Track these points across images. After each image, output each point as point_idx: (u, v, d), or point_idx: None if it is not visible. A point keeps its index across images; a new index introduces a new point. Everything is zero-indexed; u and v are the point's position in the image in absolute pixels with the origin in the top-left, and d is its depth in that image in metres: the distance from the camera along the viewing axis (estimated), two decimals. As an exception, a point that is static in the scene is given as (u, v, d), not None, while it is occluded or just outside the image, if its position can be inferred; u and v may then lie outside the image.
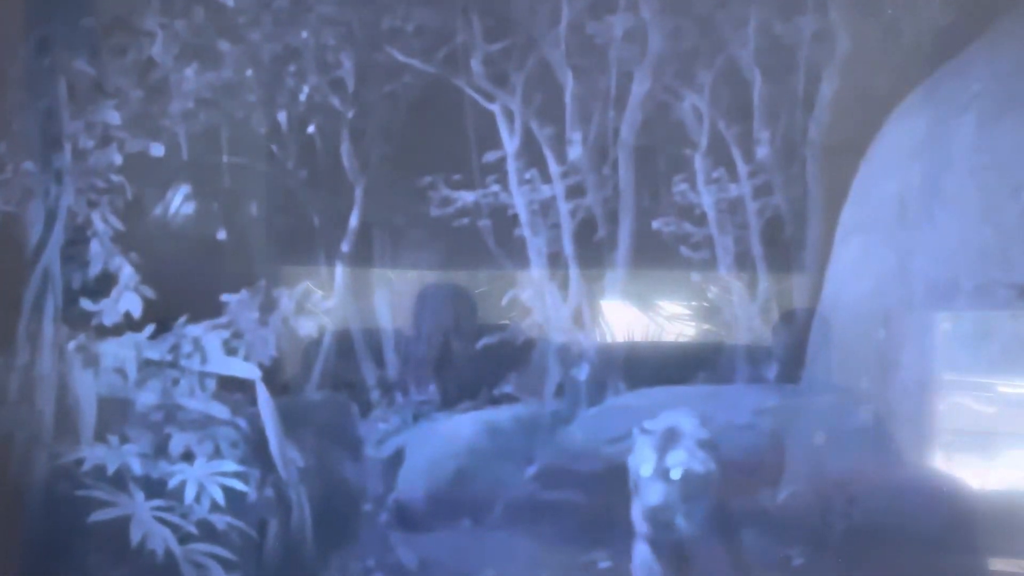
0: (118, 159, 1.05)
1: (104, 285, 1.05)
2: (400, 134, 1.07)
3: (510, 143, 1.06)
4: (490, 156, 1.06)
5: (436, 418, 1.07)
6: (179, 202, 1.06)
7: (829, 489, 1.06)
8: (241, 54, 1.06)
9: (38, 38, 1.05)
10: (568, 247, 1.07)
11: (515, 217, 1.07)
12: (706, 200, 1.06)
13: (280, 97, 1.06)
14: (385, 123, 1.07)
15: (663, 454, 1.05)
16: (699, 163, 1.06)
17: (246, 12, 1.06)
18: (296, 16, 1.06)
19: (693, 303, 1.09)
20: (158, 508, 1.04)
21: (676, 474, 1.05)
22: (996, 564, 1.07)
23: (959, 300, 1.05)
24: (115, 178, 1.05)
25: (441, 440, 1.06)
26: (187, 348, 1.05)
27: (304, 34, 1.06)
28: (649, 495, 1.04)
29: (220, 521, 1.05)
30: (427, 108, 1.06)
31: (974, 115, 1.05)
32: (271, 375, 1.06)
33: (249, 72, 1.06)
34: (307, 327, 1.06)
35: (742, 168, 1.06)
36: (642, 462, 1.05)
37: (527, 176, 1.06)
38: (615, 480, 1.06)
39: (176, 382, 1.05)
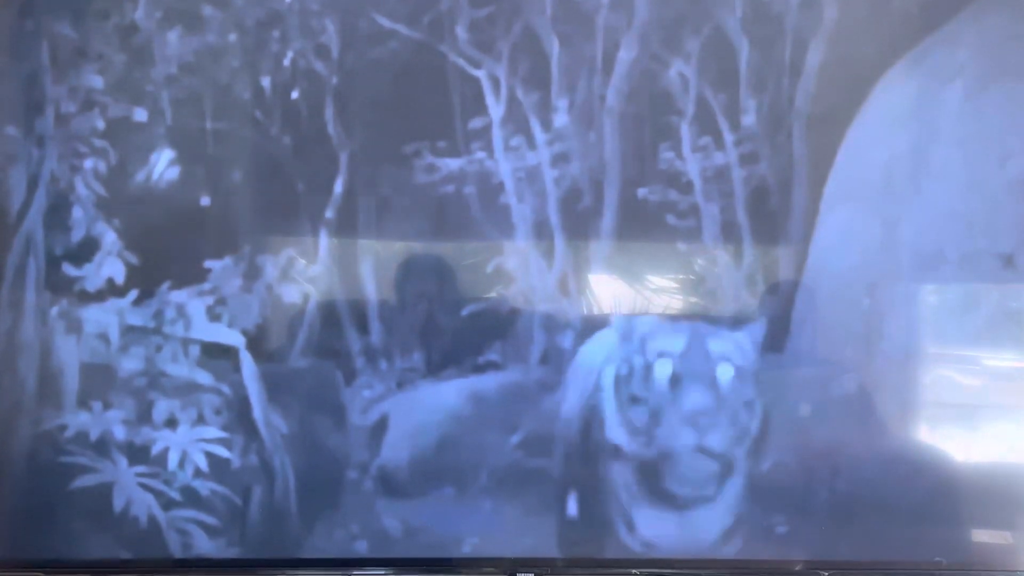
0: (101, 124, 1.04)
1: (87, 251, 1.05)
2: (385, 101, 1.06)
3: (496, 110, 1.06)
4: (475, 123, 1.06)
5: (420, 385, 1.06)
6: (162, 168, 1.05)
7: (813, 459, 1.06)
8: (225, 19, 1.05)
9: (21, 2, 1.04)
10: (553, 215, 1.07)
11: (500, 185, 1.06)
12: (692, 168, 1.06)
13: (264, 63, 1.05)
14: (370, 89, 1.06)
15: (695, 344, 1.02)
16: (685, 131, 1.06)
17: (230, -24, 1.05)
18: (280, -20, 1.05)
19: (680, 275, 1.09)
20: (141, 474, 1.04)
21: (726, 373, 1.02)
22: (979, 536, 1.07)
23: (945, 270, 1.05)
24: (98, 143, 1.04)
25: (425, 408, 1.06)
26: (170, 314, 1.05)
27: (288, -1, 1.05)
28: (685, 398, 0.99)
29: (204, 487, 1.05)
30: (412, 74, 1.05)
31: (961, 85, 1.05)
32: (255, 342, 1.05)
33: (233, 37, 1.05)
34: (291, 294, 1.06)
35: (728, 136, 1.06)
36: (653, 359, 1.01)
37: (513, 143, 1.06)
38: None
39: (159, 348, 1.05)
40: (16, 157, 1.04)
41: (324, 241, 1.07)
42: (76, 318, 1.04)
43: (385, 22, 1.05)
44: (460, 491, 1.06)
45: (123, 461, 1.04)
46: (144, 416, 1.05)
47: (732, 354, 1.03)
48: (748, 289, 1.08)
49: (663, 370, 1.04)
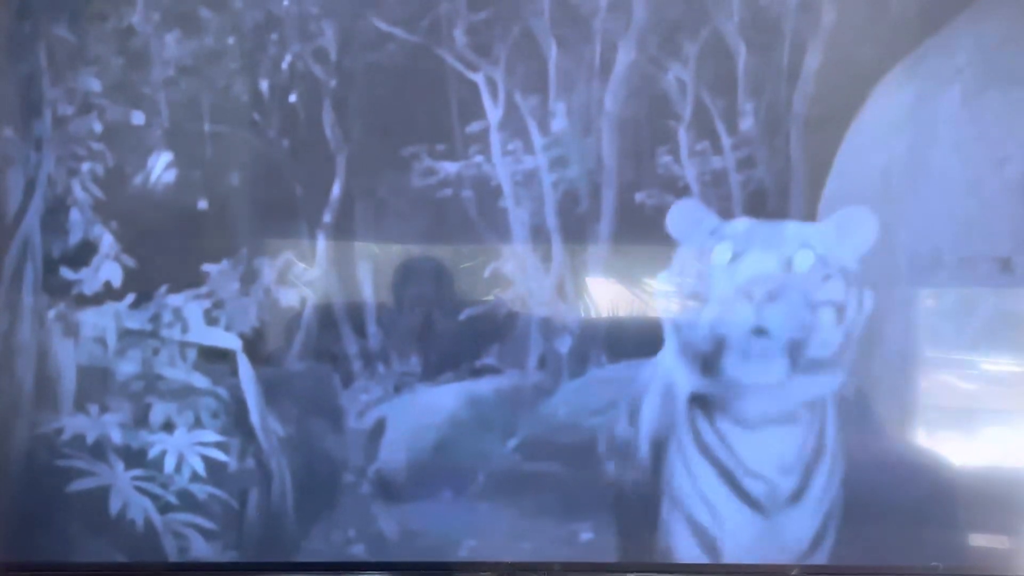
0: (98, 127, 1.04)
1: (84, 254, 1.05)
2: (383, 104, 1.06)
3: (493, 114, 1.06)
4: (473, 127, 1.06)
5: (418, 389, 1.06)
6: (160, 171, 1.05)
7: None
8: (223, 21, 1.05)
9: (18, 3, 1.04)
10: (551, 219, 1.07)
11: (498, 188, 1.06)
12: (689, 172, 1.06)
13: (262, 66, 1.05)
14: (368, 92, 1.06)
15: (769, 236, 0.86)
16: (683, 135, 1.06)
17: (228, -21, 1.05)
18: (278, -17, 1.05)
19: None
20: (138, 478, 1.04)
21: (805, 260, 0.86)
22: (976, 540, 1.07)
23: (942, 273, 1.05)
24: (95, 146, 1.04)
25: (422, 411, 1.06)
26: (168, 318, 1.05)
27: (286, 2, 1.05)
28: (739, 278, 0.86)
29: (200, 491, 1.04)
30: (410, 78, 1.05)
31: (959, 88, 1.05)
32: (252, 345, 1.05)
33: (231, 40, 1.05)
34: (289, 297, 1.06)
35: (726, 140, 1.06)
36: (710, 249, 0.88)
37: (510, 147, 1.06)
38: (597, 451, 1.06)
39: (156, 352, 1.05)
40: (13, 159, 1.04)
41: (322, 244, 1.06)
42: (73, 321, 1.04)
43: (383, 25, 1.05)
44: (457, 494, 1.06)
45: (120, 465, 1.04)
46: (141, 419, 1.04)
47: (815, 242, 0.88)
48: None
49: (722, 254, 0.92)
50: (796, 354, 0.98)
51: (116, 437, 1.04)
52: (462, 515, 1.06)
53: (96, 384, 1.05)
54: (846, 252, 1.00)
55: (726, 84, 1.05)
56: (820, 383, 1.02)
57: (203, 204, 1.05)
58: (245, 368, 1.05)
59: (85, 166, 1.04)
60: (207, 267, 1.05)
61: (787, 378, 0.98)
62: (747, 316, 0.97)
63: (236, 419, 1.05)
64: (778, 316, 0.97)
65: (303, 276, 1.07)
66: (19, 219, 1.04)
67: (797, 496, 1.00)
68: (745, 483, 1.00)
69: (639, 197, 1.06)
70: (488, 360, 1.06)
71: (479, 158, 1.06)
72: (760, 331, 0.96)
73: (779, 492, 1.00)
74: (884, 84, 1.05)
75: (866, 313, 0.97)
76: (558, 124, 1.06)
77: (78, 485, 1.04)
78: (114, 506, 1.04)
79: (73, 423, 1.04)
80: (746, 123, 1.06)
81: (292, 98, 1.05)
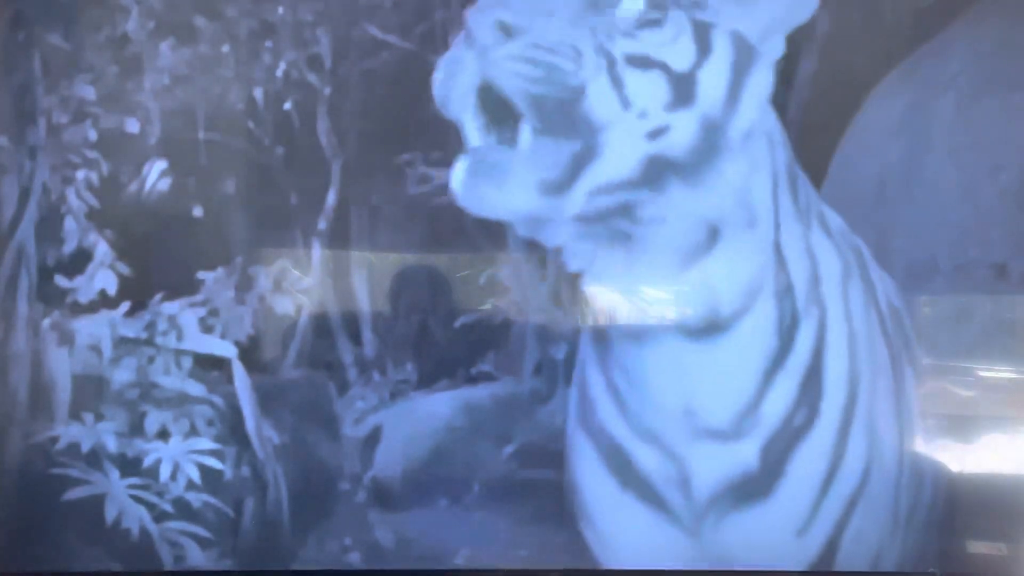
0: (93, 135, 1.04)
1: (79, 262, 1.05)
2: (378, 111, 1.06)
3: (489, 120, 1.06)
4: (468, 134, 1.06)
5: (413, 397, 1.06)
6: (155, 179, 1.05)
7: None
8: (217, 29, 1.05)
9: (12, 12, 1.04)
10: (547, 226, 1.06)
11: (494, 195, 1.06)
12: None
13: (257, 73, 1.05)
14: (362, 100, 1.06)
15: None
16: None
17: (222, -14, 1.05)
18: (272, -9, 1.05)
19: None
20: (133, 486, 1.04)
21: (631, 4, 0.60)
22: (974, 547, 1.07)
23: (938, 280, 1.05)
24: (90, 154, 1.04)
25: (418, 419, 1.06)
26: (163, 326, 1.04)
27: (280, 10, 1.05)
28: None
29: (196, 499, 1.04)
30: (405, 85, 1.05)
31: (953, 95, 1.05)
32: (247, 353, 1.05)
33: (225, 48, 1.05)
34: (284, 305, 1.06)
35: (722, 147, 1.05)
36: None
37: (506, 154, 1.06)
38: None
39: (152, 360, 1.05)
40: (8, 168, 1.04)
41: (317, 252, 1.06)
42: (68, 330, 1.04)
43: (378, 33, 1.05)
44: (453, 502, 1.06)
45: (115, 473, 1.04)
46: (136, 428, 1.04)
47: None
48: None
49: None
50: (557, 119, 0.66)
51: (111, 445, 1.04)
52: (458, 523, 1.05)
53: (91, 392, 1.04)
54: (746, 17, 0.72)
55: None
56: (683, 199, 0.76)
57: (198, 212, 1.05)
58: (240, 376, 1.05)
59: (80, 174, 1.04)
60: (202, 275, 1.05)
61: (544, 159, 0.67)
62: (470, 65, 0.67)
63: (231, 427, 1.05)
64: (511, 61, 0.67)
65: (298, 284, 1.06)
66: (13, 227, 1.04)
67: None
68: (637, 458, 0.75)
69: (635, 204, 1.06)
70: (484, 367, 1.06)
71: (475, 165, 1.05)
72: (485, 88, 0.65)
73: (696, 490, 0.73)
74: (879, 91, 1.05)
75: (750, 109, 0.68)
76: (553, 131, 1.06)
77: (73, 494, 1.04)
78: (109, 515, 1.04)
79: (68, 431, 1.04)
80: (741, 130, 1.05)
81: (287, 106, 1.05)
